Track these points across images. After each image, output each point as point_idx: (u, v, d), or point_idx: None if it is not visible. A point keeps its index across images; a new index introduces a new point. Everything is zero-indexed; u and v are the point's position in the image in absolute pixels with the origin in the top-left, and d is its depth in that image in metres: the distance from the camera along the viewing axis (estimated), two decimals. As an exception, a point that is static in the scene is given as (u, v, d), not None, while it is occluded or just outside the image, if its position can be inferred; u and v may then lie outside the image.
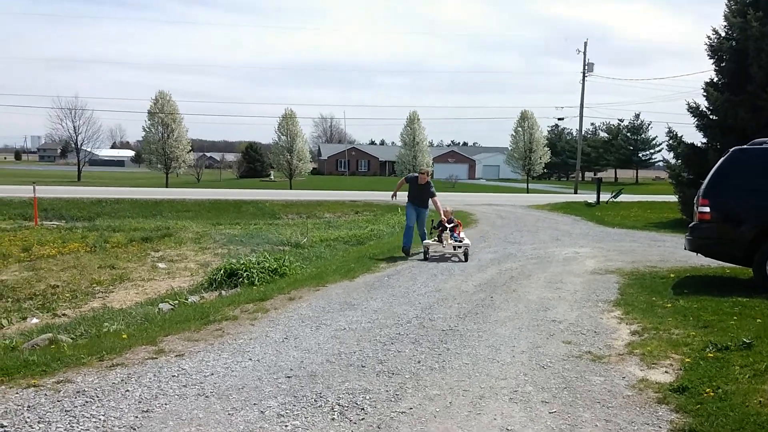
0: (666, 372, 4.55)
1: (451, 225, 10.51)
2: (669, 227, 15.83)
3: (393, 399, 4.06)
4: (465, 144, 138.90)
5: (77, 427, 3.46)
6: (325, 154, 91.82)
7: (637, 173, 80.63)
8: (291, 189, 40.80)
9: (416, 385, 4.35)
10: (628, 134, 76.48)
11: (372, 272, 9.06)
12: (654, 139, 74.27)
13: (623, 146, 75.29)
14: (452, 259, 10.29)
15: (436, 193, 10.84)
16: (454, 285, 8.05)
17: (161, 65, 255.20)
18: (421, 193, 10.77)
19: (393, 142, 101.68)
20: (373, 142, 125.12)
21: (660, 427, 3.63)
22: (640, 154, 76.13)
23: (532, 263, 9.90)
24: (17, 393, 3.90)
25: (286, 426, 3.63)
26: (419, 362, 4.85)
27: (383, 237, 14.48)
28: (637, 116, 76.26)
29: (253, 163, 74.92)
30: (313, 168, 59.76)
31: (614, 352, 5.09)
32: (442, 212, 10.58)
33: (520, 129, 52.56)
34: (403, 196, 11.54)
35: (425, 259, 10.19)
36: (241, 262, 9.26)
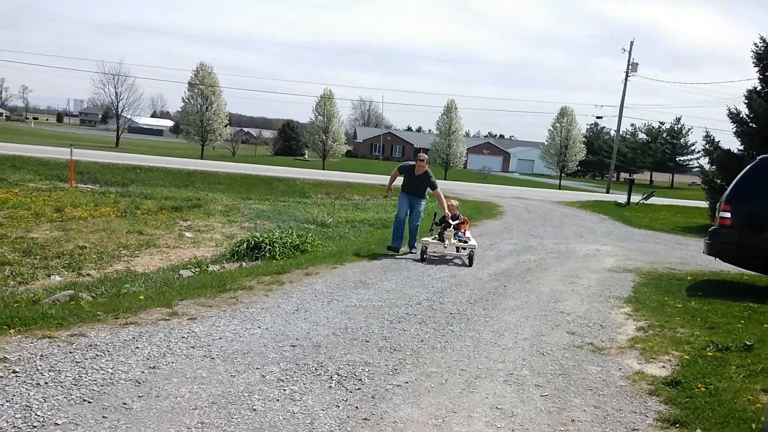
0: (663, 367, 4.57)
1: (456, 222, 9.02)
2: (696, 232, 15.54)
3: (391, 373, 4.18)
4: (501, 136, 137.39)
5: (85, 378, 3.65)
6: (360, 137, 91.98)
7: (672, 177, 78.74)
8: (323, 169, 41.10)
9: (416, 361, 4.46)
10: (667, 137, 74.67)
11: (391, 255, 9.16)
12: (693, 144, 72.36)
13: (661, 149, 73.54)
14: (454, 261, 8.91)
15: (438, 184, 9.24)
16: (470, 272, 8.12)
17: (206, 37, 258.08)
18: (417, 185, 9.17)
19: (429, 130, 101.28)
20: (409, 129, 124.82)
21: (646, 416, 3.68)
22: (677, 159, 74.32)
23: (551, 257, 9.88)
24: (32, 342, 4.12)
25: (285, 390, 3.78)
26: (422, 341, 4.96)
27: (407, 222, 14.53)
28: (678, 120, 74.42)
29: (289, 141, 75.57)
30: (348, 150, 59.93)
31: (615, 345, 5.12)
32: (445, 206, 9.04)
33: (558, 125, 51.76)
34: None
35: (422, 260, 8.65)
36: (265, 235, 9.45)
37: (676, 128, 74.41)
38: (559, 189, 42.04)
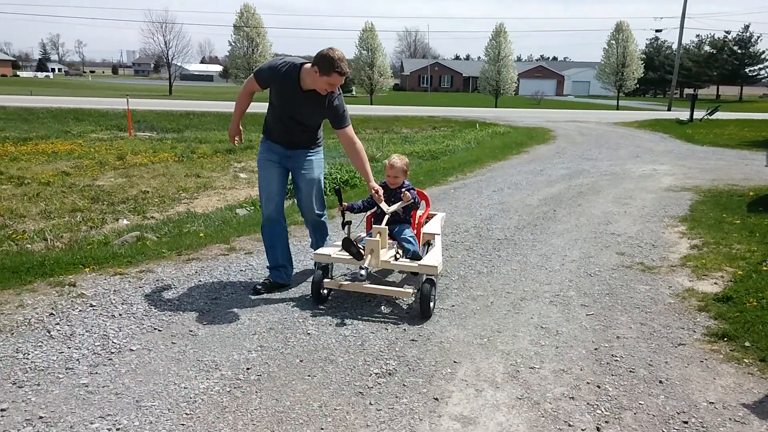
0: (715, 283, 4.51)
1: (399, 205, 4.25)
2: (765, 146, 14.72)
3: (438, 297, 4.31)
4: (554, 59, 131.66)
5: (154, 309, 3.96)
6: (407, 69, 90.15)
7: (741, 90, 73.87)
8: (371, 104, 40.78)
9: (462, 286, 4.57)
10: (735, 47, 69.55)
11: (439, 185, 9.20)
12: (763, 53, 67.30)
13: (728, 60, 68.77)
14: (386, 302, 4.22)
15: (349, 121, 4.21)
16: (519, 199, 8.06)
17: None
18: (305, 117, 4.19)
19: (478, 57, 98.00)
20: (457, 57, 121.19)
21: (694, 332, 3.69)
22: (746, 70, 69.43)
23: (605, 179, 9.66)
24: (105, 279, 4.46)
25: (336, 315, 3.97)
26: (469, 267, 5.05)
27: (457, 152, 14.42)
28: (746, 28, 69.07)
29: (335, 78, 74.73)
30: (395, 84, 58.93)
31: (667, 264, 5.07)
32: (368, 170, 4.18)
33: (613, 42, 48.94)
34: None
35: (318, 299, 4.13)
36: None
37: (744, 37, 69.18)
38: (617, 110, 40.32)
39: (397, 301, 4.24)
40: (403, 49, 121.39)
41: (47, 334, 3.51)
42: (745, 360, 3.30)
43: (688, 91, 70.78)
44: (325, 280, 4.14)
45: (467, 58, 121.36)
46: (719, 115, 23.76)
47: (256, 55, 49.57)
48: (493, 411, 2.82)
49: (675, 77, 42.47)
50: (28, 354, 3.26)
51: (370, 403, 2.87)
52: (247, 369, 3.16)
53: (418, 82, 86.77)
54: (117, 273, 4.61)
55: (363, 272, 3.81)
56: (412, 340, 3.59)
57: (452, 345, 3.52)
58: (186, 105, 29.88)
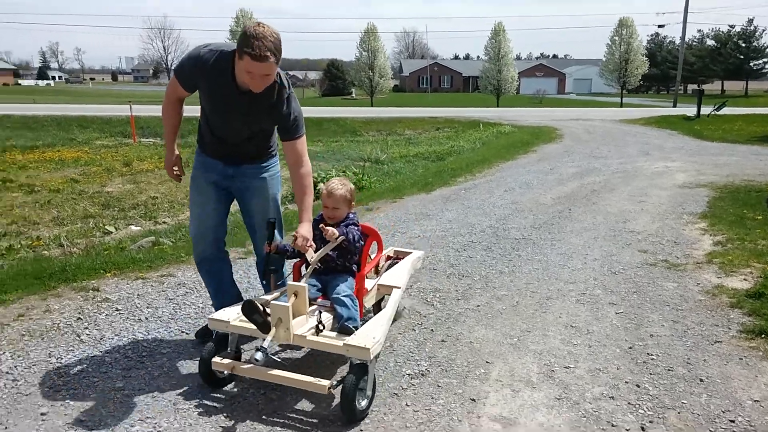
0: (744, 279, 4.45)
1: (324, 252, 3.05)
2: (775, 141, 14.67)
3: (462, 298, 4.26)
4: (555, 56, 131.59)
5: (179, 312, 3.92)
6: (406, 70, 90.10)
7: (747, 85, 73.66)
8: (372, 106, 40.78)
9: (485, 286, 4.51)
10: (739, 42, 69.37)
11: (449, 186, 9.14)
12: (768, 47, 67.15)
13: (732, 55, 68.57)
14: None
15: (303, 131, 3.08)
16: (532, 198, 8.01)
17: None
18: (250, 116, 2.99)
19: (477, 56, 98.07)
20: (456, 57, 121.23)
21: (729, 329, 3.63)
22: (751, 64, 69.20)
23: (617, 177, 9.59)
24: (128, 284, 4.42)
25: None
26: (490, 267, 4.99)
27: (463, 153, 14.37)
28: (750, 21, 68.83)
29: (335, 80, 74.86)
30: (395, 85, 58.91)
31: (692, 261, 5.01)
32: (307, 202, 3.04)
33: (616, 38, 48.87)
34: None
35: (210, 384, 2.94)
36: (322, 175, 9.59)
37: (748, 30, 68.95)
38: (621, 107, 40.26)
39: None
40: (402, 50, 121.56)
41: (77, 338, 3.48)
42: (783, 356, 3.24)
43: (691, 86, 70.70)
44: (216, 358, 2.84)
45: (467, 57, 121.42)
46: (726, 110, 23.65)
47: (256, 60, 49.49)
48: (533, 411, 2.76)
49: (679, 73, 42.32)
50: (61, 358, 3.23)
51: (406, 404, 2.82)
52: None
53: (417, 82, 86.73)
54: (138, 277, 4.57)
55: (259, 356, 2.56)
56: (442, 340, 3.53)
57: (482, 345, 3.47)
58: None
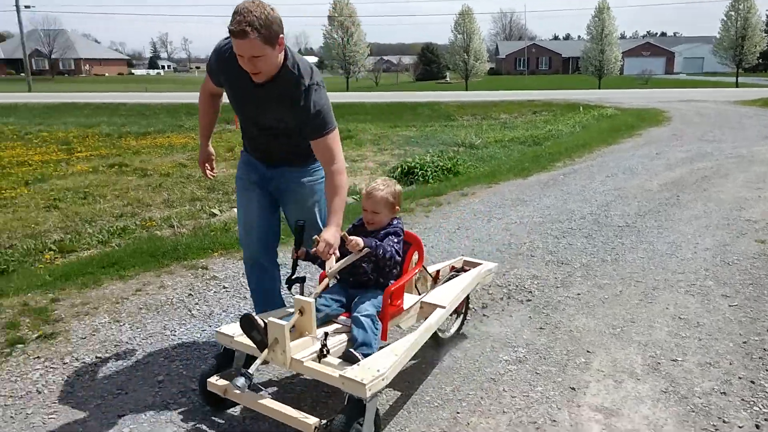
0: None
1: (344, 264, 2.67)
2: None
3: (561, 285, 4.17)
4: (663, 34, 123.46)
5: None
6: (503, 52, 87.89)
7: None
8: (467, 90, 40.23)
9: (585, 274, 4.38)
10: None
11: (547, 171, 8.90)
12: None
13: None
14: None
15: (332, 126, 2.69)
16: (637, 184, 7.64)
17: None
18: (266, 120, 2.79)
19: (579, 36, 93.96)
20: (556, 37, 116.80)
21: None
22: None
23: (731, 162, 8.93)
24: (233, 263, 4.69)
25: (457, 301, 3.94)
26: (591, 254, 4.84)
27: (562, 137, 13.90)
28: None
29: (429, 64, 74.40)
30: (491, 68, 57.68)
31: (819, 254, 4.60)
32: (337, 207, 2.64)
33: (732, 13, 45.04)
34: None
35: (209, 404, 2.66)
36: (417, 161, 9.63)
37: None
38: (737, 87, 37.22)
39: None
40: (498, 31, 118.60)
41: (189, 312, 3.75)
42: None
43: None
44: (211, 378, 2.51)
45: (567, 37, 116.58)
46: None
47: (350, 45, 50.17)
48: (637, 403, 2.67)
49: (805, 49, 38.42)
50: (175, 331, 3.49)
51: (503, 390, 2.82)
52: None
53: (514, 65, 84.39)
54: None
55: (240, 381, 2.25)
56: (540, 328, 3.48)
57: (583, 334, 3.39)
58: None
